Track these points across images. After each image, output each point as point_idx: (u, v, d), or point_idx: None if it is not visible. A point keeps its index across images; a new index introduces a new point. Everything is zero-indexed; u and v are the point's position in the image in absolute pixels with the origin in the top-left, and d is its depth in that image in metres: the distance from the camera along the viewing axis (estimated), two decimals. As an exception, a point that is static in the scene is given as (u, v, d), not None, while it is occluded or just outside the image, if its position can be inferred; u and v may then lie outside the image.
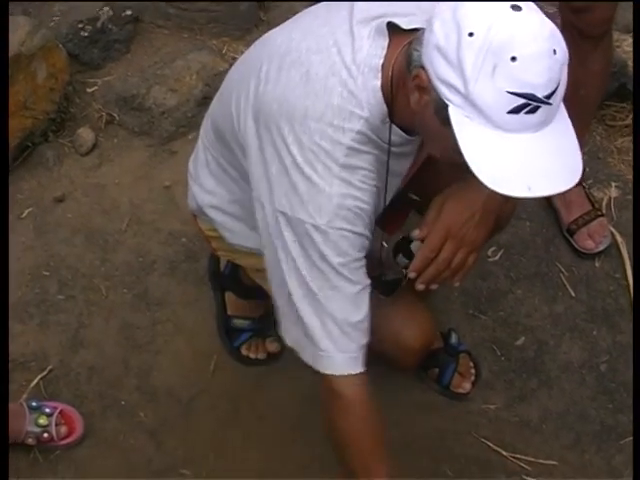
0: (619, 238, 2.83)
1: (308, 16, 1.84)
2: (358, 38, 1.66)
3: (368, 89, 1.64)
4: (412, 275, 1.85)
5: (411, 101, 1.56)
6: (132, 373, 2.53)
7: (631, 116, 3.14)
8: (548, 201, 2.88)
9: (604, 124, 3.15)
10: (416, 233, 1.84)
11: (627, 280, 2.75)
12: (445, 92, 1.47)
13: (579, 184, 2.83)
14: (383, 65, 1.63)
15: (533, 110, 1.43)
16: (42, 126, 2.98)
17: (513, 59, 1.40)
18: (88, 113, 3.09)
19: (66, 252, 2.76)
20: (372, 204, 1.73)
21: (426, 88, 1.51)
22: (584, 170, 2.76)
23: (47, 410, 2.38)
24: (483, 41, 1.41)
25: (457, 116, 1.46)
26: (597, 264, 2.80)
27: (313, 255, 1.71)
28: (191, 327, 2.57)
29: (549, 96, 1.44)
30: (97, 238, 2.79)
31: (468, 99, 1.44)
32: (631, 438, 2.45)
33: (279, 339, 2.44)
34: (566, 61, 1.49)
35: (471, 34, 1.42)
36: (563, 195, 2.81)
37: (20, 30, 2.88)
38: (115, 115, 3.06)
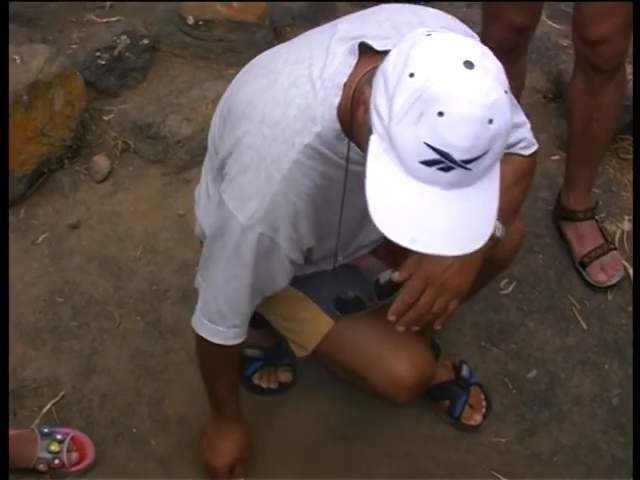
0: (631, 271, 2.83)
1: (302, 35, 1.87)
2: (331, 54, 1.67)
3: (325, 105, 1.65)
4: (392, 318, 1.84)
5: (358, 113, 1.56)
6: (144, 401, 2.53)
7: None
8: (561, 234, 2.88)
9: (617, 157, 3.16)
10: (395, 275, 1.82)
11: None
12: (374, 119, 1.45)
13: (592, 218, 2.84)
14: (346, 84, 1.63)
15: (446, 169, 1.40)
16: (58, 153, 3.00)
17: (440, 114, 1.36)
18: (104, 140, 3.11)
19: (80, 279, 2.77)
20: (307, 220, 1.76)
21: (366, 106, 1.50)
22: (596, 204, 2.83)
23: (59, 436, 2.38)
24: (420, 86, 1.37)
25: (376, 146, 1.45)
26: (609, 297, 2.80)
27: (231, 246, 1.78)
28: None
29: (468, 161, 1.39)
30: (111, 265, 2.80)
31: (389, 134, 1.42)
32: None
33: (291, 369, 2.48)
34: (505, 134, 1.42)
35: (412, 75, 1.39)
36: (576, 228, 2.83)
37: (39, 57, 2.91)
38: (131, 143, 3.08)
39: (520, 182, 1.91)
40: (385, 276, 1.99)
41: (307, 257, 1.90)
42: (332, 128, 1.66)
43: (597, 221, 2.87)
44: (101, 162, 3.02)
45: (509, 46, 2.57)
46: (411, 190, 1.43)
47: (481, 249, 1.77)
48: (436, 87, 1.36)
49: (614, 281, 2.80)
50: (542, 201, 3.01)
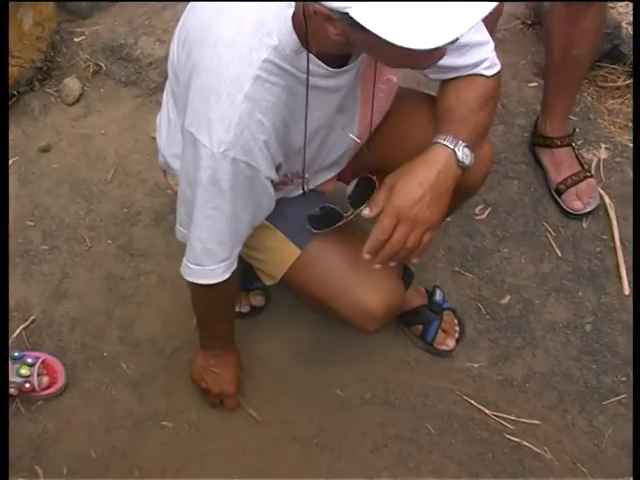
0: (607, 199, 2.82)
1: None
2: None
3: (279, 17, 1.61)
4: (367, 257, 1.82)
5: (330, 35, 1.52)
6: (115, 324, 2.52)
7: (623, 78, 3.13)
8: (538, 161, 2.87)
9: (595, 85, 3.14)
10: (366, 212, 1.80)
11: (614, 242, 2.74)
12: (338, 5, 1.41)
13: (568, 145, 2.82)
14: None
15: None
16: (28, 75, 2.95)
17: None
18: (75, 62, 3.06)
19: (51, 202, 2.75)
20: (276, 137, 1.73)
21: (330, 16, 1.45)
22: (573, 131, 2.81)
23: (29, 360, 2.37)
24: None
25: (359, 12, 1.39)
26: (584, 225, 2.79)
27: (205, 177, 1.73)
28: (175, 279, 2.51)
29: None
30: (82, 189, 2.78)
31: None
32: (614, 399, 2.46)
33: (263, 293, 2.46)
34: None
35: None
36: (552, 155, 2.81)
37: (8, -23, 2.85)
38: (102, 65, 3.03)
39: (486, 105, 1.89)
40: (350, 188, 1.96)
41: (274, 183, 1.87)
42: (289, 40, 1.62)
43: (574, 148, 2.85)
44: (72, 84, 2.97)
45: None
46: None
47: (452, 177, 1.78)
48: None
49: (589, 209, 2.79)
50: (519, 128, 2.99)
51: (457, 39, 1.40)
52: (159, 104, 2.80)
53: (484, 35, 1.88)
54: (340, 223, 1.99)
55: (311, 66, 1.65)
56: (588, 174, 2.83)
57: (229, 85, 1.65)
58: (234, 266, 1.94)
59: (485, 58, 1.88)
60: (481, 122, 1.87)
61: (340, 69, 1.71)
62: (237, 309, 2.49)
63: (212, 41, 1.67)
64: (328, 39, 1.53)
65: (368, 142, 2.04)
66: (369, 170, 2.05)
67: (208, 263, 1.90)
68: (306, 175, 1.96)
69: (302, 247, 2.05)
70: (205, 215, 1.81)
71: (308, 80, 1.67)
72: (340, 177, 2.16)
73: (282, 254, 2.08)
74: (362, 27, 1.39)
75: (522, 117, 3.01)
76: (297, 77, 1.67)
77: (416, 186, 1.74)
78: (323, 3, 1.43)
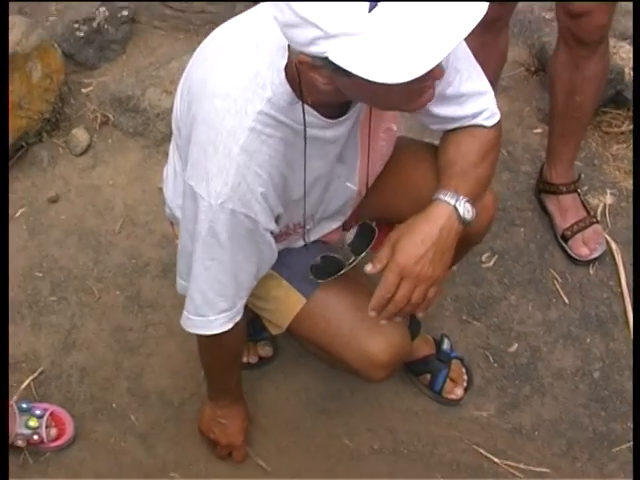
0: (614, 245, 2.82)
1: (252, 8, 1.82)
2: (273, 19, 1.60)
3: (273, 68, 1.62)
4: (372, 314, 1.83)
5: (320, 85, 1.51)
6: (124, 375, 2.52)
7: (627, 123, 3.14)
8: (543, 208, 2.88)
9: (600, 131, 3.15)
10: (368, 268, 1.81)
11: (621, 288, 2.74)
12: (316, 50, 1.40)
13: (574, 191, 2.83)
14: (289, 45, 1.58)
15: None
16: (36, 126, 2.97)
17: None
18: (83, 113, 3.09)
19: (59, 253, 2.76)
20: (274, 189, 1.73)
21: (314, 64, 1.45)
22: (579, 177, 2.82)
23: (37, 412, 2.37)
24: None
25: (337, 55, 1.38)
26: (591, 271, 2.79)
27: (204, 229, 1.74)
28: (183, 330, 2.52)
29: None
30: (90, 239, 2.79)
31: (327, 34, 1.36)
32: (624, 446, 2.45)
33: (271, 343, 2.47)
34: None
35: None
36: (558, 201, 2.82)
37: (16, 29, 2.88)
38: (110, 116, 3.05)
39: (487, 156, 1.90)
40: (350, 236, 1.99)
41: (275, 234, 1.88)
42: (283, 92, 1.63)
43: (579, 194, 2.86)
44: (80, 135, 3.00)
45: (491, 17, 2.52)
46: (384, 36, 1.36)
47: (455, 232, 1.79)
48: None
49: (596, 255, 2.79)
50: (524, 175, 2.99)
51: (436, 70, 1.40)
52: (166, 155, 2.82)
53: (483, 84, 1.89)
54: (342, 271, 2.01)
55: (307, 117, 1.66)
56: (594, 220, 2.83)
57: (225, 137, 1.66)
58: (237, 317, 1.95)
59: (484, 108, 1.89)
60: (482, 174, 1.88)
61: (337, 120, 1.73)
62: (245, 360, 2.49)
63: (209, 94, 1.69)
64: (319, 89, 1.53)
65: (370, 191, 2.06)
66: (373, 219, 2.07)
67: (208, 314, 1.91)
68: (308, 226, 1.98)
69: (307, 296, 2.06)
70: (204, 266, 1.82)
71: (305, 132, 1.68)
72: (345, 227, 2.17)
73: (288, 303, 2.08)
74: (344, 71, 1.39)
75: (527, 164, 3.02)
76: (293, 128, 1.68)
77: (419, 243, 1.76)
78: (305, 51, 1.43)
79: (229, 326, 1.93)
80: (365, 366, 2.04)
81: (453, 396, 2.50)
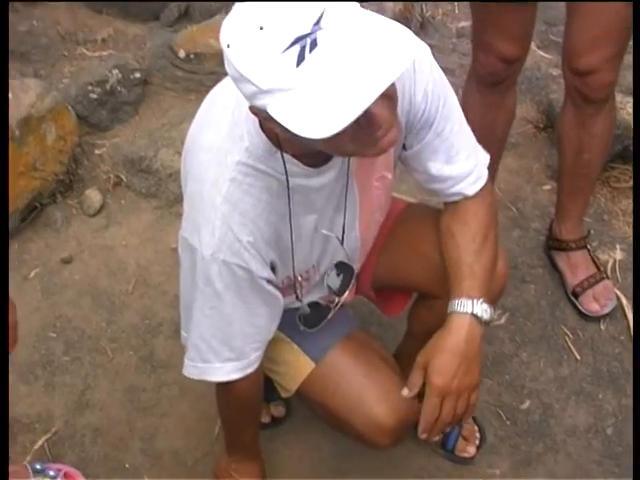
0: (624, 301, 2.83)
1: None
2: None
3: (249, 119, 1.63)
4: (423, 437, 1.84)
5: (280, 135, 1.53)
6: (137, 436, 2.52)
7: (636, 178, 3.17)
8: (553, 264, 2.89)
9: (608, 186, 3.17)
10: (405, 392, 1.83)
11: (633, 343, 2.74)
12: (259, 103, 1.41)
13: (584, 247, 2.84)
14: None
15: (313, 45, 1.34)
16: (50, 187, 3.01)
17: (260, 28, 1.35)
18: (96, 174, 3.13)
19: (73, 313, 2.78)
20: (262, 237, 1.75)
21: (266, 116, 1.44)
22: (588, 233, 2.84)
23: (51, 473, 2.35)
24: (237, 40, 1.39)
25: (275, 110, 1.39)
26: (602, 327, 2.79)
27: (201, 279, 1.77)
28: (196, 390, 2.55)
29: (318, 22, 1.34)
30: (104, 300, 2.81)
31: (261, 89, 1.38)
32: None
33: (284, 403, 2.46)
34: None
35: (228, 45, 1.40)
36: (568, 258, 2.83)
37: (31, 92, 2.94)
38: (123, 177, 3.09)
39: (486, 240, 1.90)
40: (331, 276, 2.02)
41: (276, 285, 1.89)
42: (259, 141, 1.65)
43: (589, 250, 2.87)
44: (93, 196, 3.03)
45: (499, 77, 2.58)
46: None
47: (478, 335, 1.82)
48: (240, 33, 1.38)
49: (607, 310, 2.79)
50: (534, 231, 3.02)
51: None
52: (179, 215, 2.84)
53: (471, 145, 1.90)
54: (330, 315, 2.05)
55: (289, 166, 1.68)
56: (604, 276, 2.84)
57: (209, 188, 1.69)
58: (249, 369, 1.95)
59: (470, 171, 1.89)
60: (487, 259, 1.89)
61: (319, 168, 1.73)
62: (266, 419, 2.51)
63: (196, 148, 1.74)
64: (286, 138, 1.53)
65: (381, 259, 2.08)
66: (385, 286, 2.09)
67: (213, 361, 1.92)
68: (314, 279, 1.99)
69: (317, 360, 2.07)
70: (204, 315, 1.84)
71: (288, 182, 1.70)
72: (357, 291, 2.18)
73: (297, 367, 2.10)
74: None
75: (537, 220, 3.04)
76: (276, 177, 1.70)
77: (449, 360, 1.78)
78: (252, 104, 1.45)
79: (238, 375, 1.93)
80: (371, 431, 2.04)
81: (465, 454, 2.49)
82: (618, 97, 2.86)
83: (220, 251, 1.71)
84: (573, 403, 2.63)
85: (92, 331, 2.73)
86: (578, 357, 2.72)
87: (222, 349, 1.89)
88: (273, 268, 1.84)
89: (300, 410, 2.51)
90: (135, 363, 2.67)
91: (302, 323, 2.05)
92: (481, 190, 1.91)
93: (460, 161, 1.87)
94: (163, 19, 3.76)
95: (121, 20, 3.69)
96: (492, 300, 2.06)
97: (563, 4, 2.47)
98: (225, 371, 1.93)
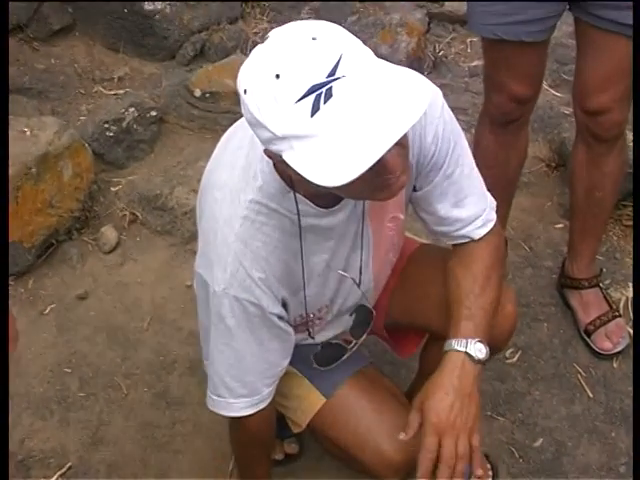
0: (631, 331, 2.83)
1: None
2: None
3: (263, 159, 1.65)
4: None
5: (293, 177, 1.54)
6: (151, 472, 2.52)
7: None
8: (566, 302, 2.90)
9: (621, 224, 3.18)
10: (401, 436, 1.83)
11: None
12: (275, 148, 1.45)
13: (596, 285, 2.85)
14: None
15: (326, 94, 1.38)
16: (67, 224, 3.04)
17: (277, 76, 1.38)
18: (112, 212, 3.16)
19: (88, 349, 2.79)
20: (273, 274, 1.77)
21: (281, 160, 1.47)
22: (600, 271, 2.84)
23: (66, 508, 2.38)
24: (254, 87, 1.41)
25: (290, 157, 1.43)
26: (615, 365, 2.79)
27: (213, 314, 1.79)
28: (210, 427, 2.57)
29: (332, 74, 1.38)
30: (119, 336, 2.82)
31: (276, 136, 1.42)
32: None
33: (297, 440, 2.47)
34: (341, 39, 1.41)
35: (245, 91, 1.43)
36: (581, 296, 2.84)
37: (48, 130, 2.97)
38: (138, 214, 3.12)
39: (488, 282, 1.91)
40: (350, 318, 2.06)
41: (288, 321, 1.90)
42: (272, 180, 1.68)
43: (601, 289, 2.88)
44: (109, 233, 3.06)
45: (512, 117, 2.60)
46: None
47: (473, 375, 1.82)
48: (259, 77, 1.41)
49: (619, 348, 2.80)
50: (546, 270, 3.03)
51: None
52: (194, 253, 2.85)
53: (480, 189, 1.91)
54: (345, 356, 2.08)
55: (301, 206, 1.71)
56: (617, 314, 2.84)
57: (222, 225, 1.72)
58: (261, 405, 1.96)
59: (478, 215, 1.90)
60: (487, 300, 1.89)
61: (331, 209, 1.75)
62: (272, 456, 2.51)
63: (211, 186, 1.78)
64: (299, 180, 1.54)
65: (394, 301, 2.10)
66: (399, 324, 2.10)
67: (226, 396, 1.93)
68: (328, 317, 2.01)
69: (328, 395, 2.10)
70: (218, 350, 1.86)
71: (300, 221, 1.72)
72: (371, 330, 2.20)
73: (308, 402, 2.12)
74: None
75: (549, 259, 3.06)
76: (288, 217, 1.73)
77: (443, 397, 1.79)
78: (268, 148, 1.48)
79: (250, 411, 1.95)
80: (379, 466, 2.06)
81: (479, 493, 2.49)
82: (629, 136, 2.88)
83: (231, 287, 1.73)
84: (586, 441, 2.62)
85: (107, 367, 2.75)
86: (591, 395, 2.72)
87: (235, 385, 1.91)
88: (285, 305, 1.86)
89: (313, 447, 2.51)
90: (149, 399, 2.67)
91: (315, 361, 2.07)
92: (488, 233, 1.92)
93: (468, 205, 1.88)
94: (179, 58, 3.80)
95: (137, 59, 3.74)
96: (501, 341, 2.08)
97: (574, 43, 2.49)
98: (239, 407, 1.94)
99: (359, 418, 2.07)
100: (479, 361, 1.82)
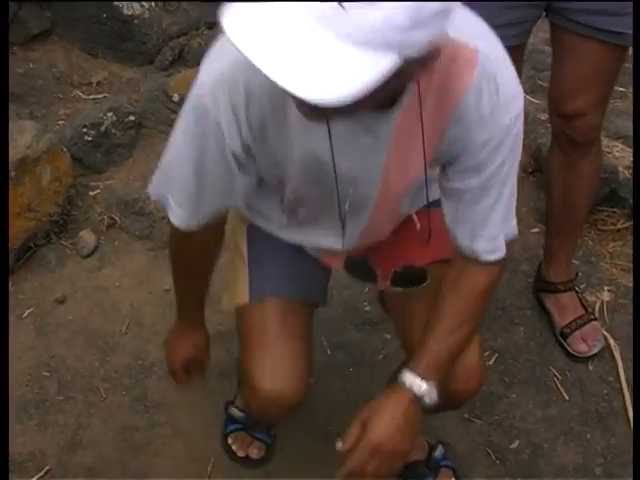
0: (612, 341, 2.86)
1: None
2: None
3: None
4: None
5: None
6: (130, 475, 2.52)
7: (622, 221, 3.21)
8: (542, 306, 2.92)
9: (596, 229, 3.21)
10: (339, 446, 1.82)
11: (620, 383, 2.76)
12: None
13: (572, 289, 2.88)
14: None
15: None
16: (45, 228, 3.04)
17: None
18: (90, 216, 3.16)
19: (66, 353, 2.79)
20: (248, 117, 1.63)
21: None
22: (576, 275, 2.87)
23: (44, 512, 2.38)
24: None
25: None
26: (590, 367, 2.82)
27: (184, 110, 1.70)
28: (188, 430, 2.58)
29: None
30: (97, 340, 2.82)
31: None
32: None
33: (266, 447, 2.47)
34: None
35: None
36: (556, 299, 2.87)
37: (27, 134, 2.96)
38: (117, 219, 3.12)
39: (468, 321, 1.86)
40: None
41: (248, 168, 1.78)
42: None
43: (577, 292, 2.91)
44: (87, 237, 3.06)
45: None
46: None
47: (417, 416, 1.82)
48: None
49: (595, 351, 2.83)
50: (522, 274, 3.06)
51: None
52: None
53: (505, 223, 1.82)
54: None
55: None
56: (592, 317, 2.87)
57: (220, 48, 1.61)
58: (192, 223, 1.84)
59: (495, 237, 1.80)
60: (457, 342, 1.85)
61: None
62: (235, 449, 2.52)
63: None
64: None
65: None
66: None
67: (167, 194, 1.83)
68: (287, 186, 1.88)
69: (252, 299, 2.07)
70: (173, 141, 1.77)
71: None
72: (347, 266, 2.14)
73: (235, 293, 2.12)
74: None
75: (525, 263, 3.08)
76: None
77: (389, 422, 1.79)
78: None
79: (179, 223, 1.85)
80: (246, 387, 2.08)
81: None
82: (605, 141, 2.91)
83: (205, 91, 1.62)
84: (562, 443, 2.65)
85: (85, 371, 2.75)
86: (567, 397, 2.74)
87: (177, 188, 1.80)
88: (247, 151, 1.72)
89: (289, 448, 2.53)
90: (128, 403, 2.67)
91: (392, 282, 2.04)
92: (494, 262, 1.82)
93: (493, 222, 1.78)
94: (157, 63, 3.81)
95: (116, 63, 3.74)
96: (459, 397, 2.08)
97: (550, 50, 2.52)
98: (173, 210, 1.84)
99: (258, 336, 2.05)
100: (419, 401, 1.80)
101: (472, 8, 2.43)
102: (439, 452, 2.45)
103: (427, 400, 1.80)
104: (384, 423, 1.79)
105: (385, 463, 1.80)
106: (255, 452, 2.53)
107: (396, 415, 1.79)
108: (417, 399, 1.80)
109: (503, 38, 2.39)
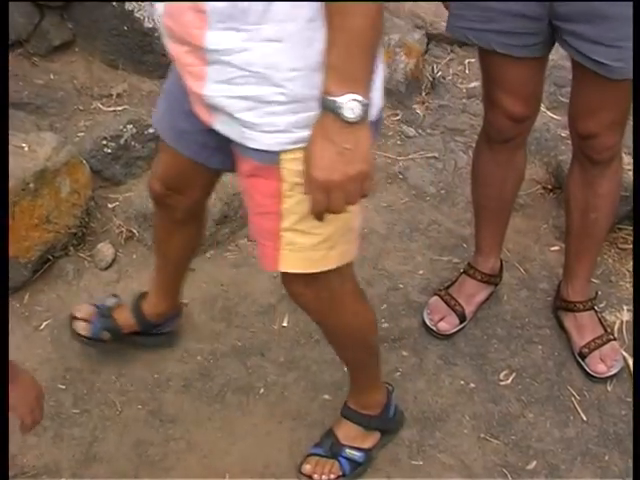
0: (631, 362, 2.84)
1: None
2: None
3: None
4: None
5: None
6: (144, 490, 2.53)
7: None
8: (561, 325, 2.90)
9: (616, 247, 3.20)
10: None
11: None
12: None
13: (591, 308, 2.86)
14: None
15: None
16: (63, 240, 3.03)
17: None
18: (108, 228, 3.16)
19: (82, 366, 2.78)
20: None
21: None
22: (596, 294, 2.85)
23: (57, 526, 2.37)
24: None
25: None
26: (609, 388, 2.80)
27: None
28: (203, 445, 2.57)
29: None
30: (113, 353, 2.81)
31: None
32: None
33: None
34: None
35: None
36: (575, 319, 2.85)
37: (46, 146, 2.97)
38: (135, 231, 3.12)
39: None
40: None
41: None
42: None
43: (596, 312, 2.89)
44: (105, 250, 3.06)
45: (508, 135, 2.61)
46: None
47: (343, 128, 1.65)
48: None
49: (613, 372, 2.81)
50: (542, 292, 3.04)
51: None
52: (190, 271, 2.90)
53: None
54: None
55: None
56: (611, 337, 2.85)
57: None
58: None
59: None
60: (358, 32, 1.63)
61: None
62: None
63: None
64: None
65: None
66: None
67: None
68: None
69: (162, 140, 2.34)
70: None
71: None
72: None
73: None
74: None
75: (545, 281, 3.07)
76: None
77: (319, 154, 1.70)
78: None
79: None
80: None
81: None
82: (626, 159, 2.89)
83: None
84: (579, 464, 2.63)
85: (101, 384, 2.74)
86: (584, 418, 2.72)
87: None
88: None
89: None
90: (143, 417, 2.67)
91: None
92: None
93: None
94: (178, 75, 3.80)
95: (136, 76, 3.73)
96: None
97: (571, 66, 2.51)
98: None
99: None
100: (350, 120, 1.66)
101: (469, 8, 2.44)
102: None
103: (348, 114, 1.64)
104: (316, 157, 1.69)
105: (345, 190, 1.71)
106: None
107: (325, 145, 1.68)
108: (336, 116, 1.65)
109: (503, 46, 2.40)
